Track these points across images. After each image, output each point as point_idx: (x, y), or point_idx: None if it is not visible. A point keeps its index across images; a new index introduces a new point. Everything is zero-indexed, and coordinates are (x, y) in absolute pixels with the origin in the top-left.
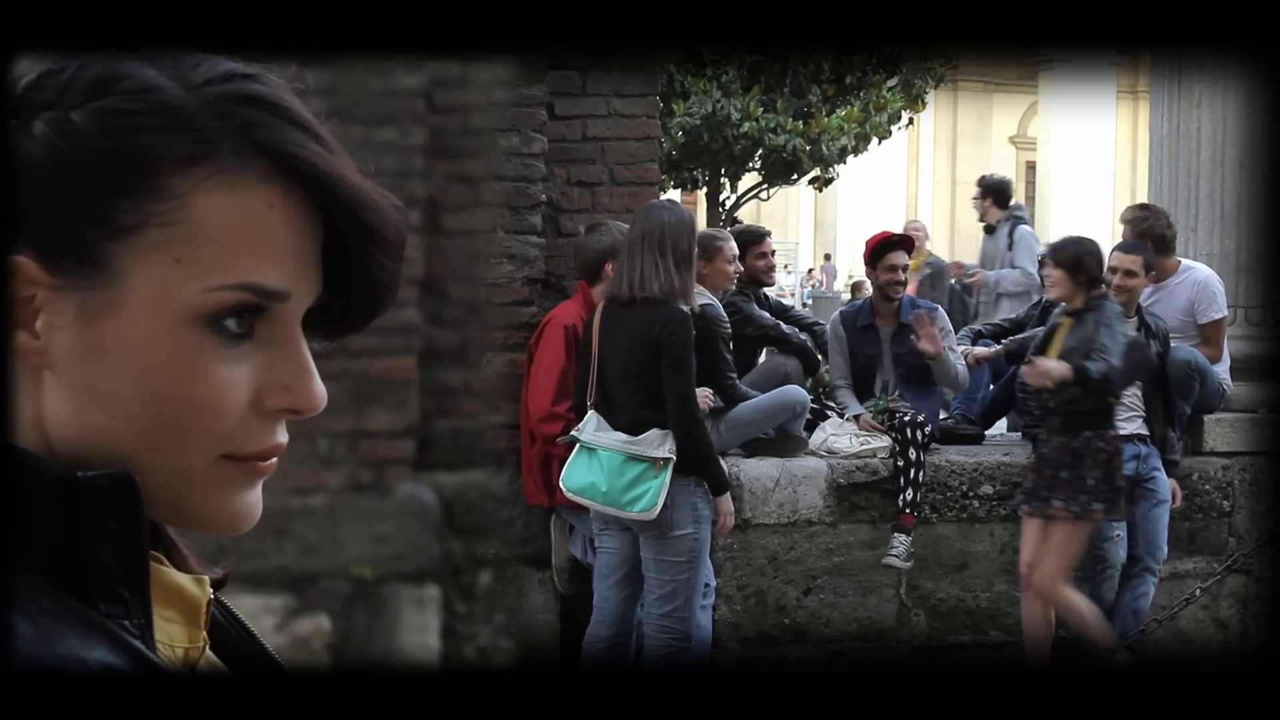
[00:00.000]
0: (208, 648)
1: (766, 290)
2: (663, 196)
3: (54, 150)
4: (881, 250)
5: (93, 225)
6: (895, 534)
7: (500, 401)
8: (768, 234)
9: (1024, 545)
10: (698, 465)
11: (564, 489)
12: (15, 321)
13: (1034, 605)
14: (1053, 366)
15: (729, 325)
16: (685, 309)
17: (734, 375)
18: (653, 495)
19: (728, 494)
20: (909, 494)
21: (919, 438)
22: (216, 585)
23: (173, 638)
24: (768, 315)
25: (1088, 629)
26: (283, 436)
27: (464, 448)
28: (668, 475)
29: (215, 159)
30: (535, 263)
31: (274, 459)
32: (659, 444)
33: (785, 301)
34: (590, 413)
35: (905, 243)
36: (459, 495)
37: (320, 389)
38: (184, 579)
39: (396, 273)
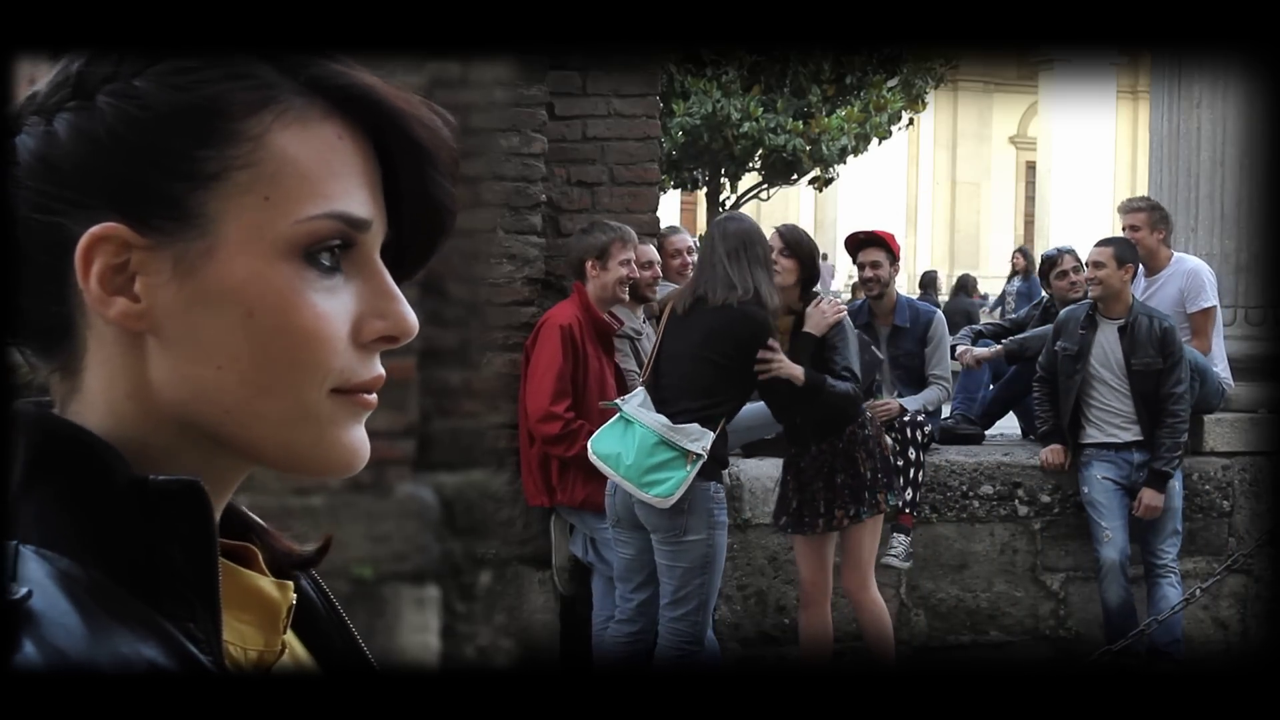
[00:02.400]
0: (286, 650)
1: None
2: (662, 197)
3: (125, 116)
4: (854, 249)
5: (178, 178)
6: (895, 534)
7: (500, 401)
8: None
9: (804, 563)
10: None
11: (590, 451)
12: (110, 291)
13: (819, 617)
14: (793, 369)
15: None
16: (765, 312)
17: None
18: (673, 484)
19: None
20: (908, 494)
21: (919, 438)
22: (318, 555)
23: (246, 640)
24: None
25: (882, 639)
26: (381, 369)
27: (464, 448)
28: (694, 471)
29: (281, 99)
30: (535, 263)
31: (376, 392)
32: (696, 438)
33: None
34: (640, 388)
35: (877, 239)
36: (459, 495)
37: (412, 313)
38: (265, 582)
39: (453, 193)
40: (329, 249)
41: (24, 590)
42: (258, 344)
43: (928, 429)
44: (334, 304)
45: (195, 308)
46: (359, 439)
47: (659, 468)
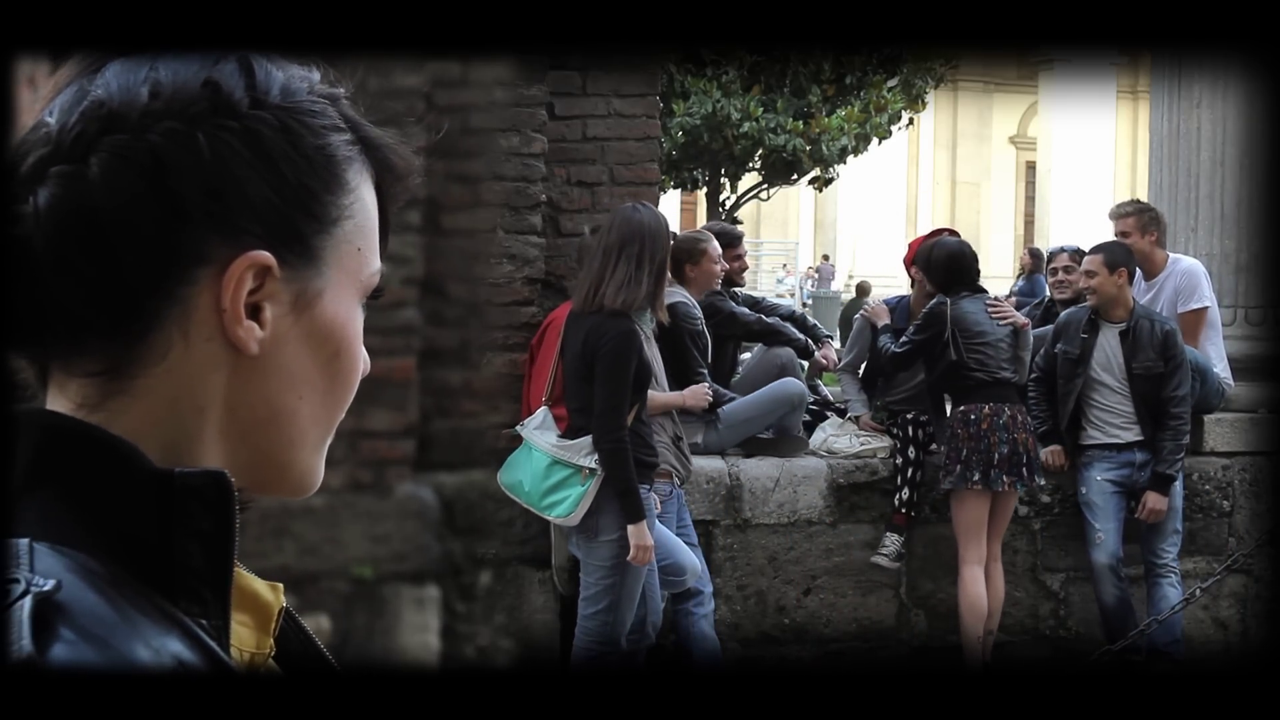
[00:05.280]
0: (273, 654)
1: (736, 288)
2: (662, 197)
3: (284, 151)
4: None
5: (312, 219)
6: (888, 533)
7: (500, 401)
8: (742, 235)
9: (974, 521)
10: (613, 484)
11: (499, 481)
12: (239, 314)
13: (978, 577)
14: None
15: (700, 322)
16: (633, 323)
17: (705, 371)
18: (572, 503)
19: (642, 523)
20: (904, 493)
21: (919, 437)
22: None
23: (242, 641)
24: (749, 312)
25: (998, 604)
26: None
27: (464, 448)
28: (593, 485)
29: (358, 155)
30: (535, 263)
31: None
32: (588, 452)
33: (778, 300)
34: (541, 409)
35: None
36: (459, 495)
37: None
38: (261, 584)
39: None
40: None
41: (51, 582)
42: (334, 380)
43: (929, 429)
44: None
45: (299, 342)
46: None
47: (555, 488)
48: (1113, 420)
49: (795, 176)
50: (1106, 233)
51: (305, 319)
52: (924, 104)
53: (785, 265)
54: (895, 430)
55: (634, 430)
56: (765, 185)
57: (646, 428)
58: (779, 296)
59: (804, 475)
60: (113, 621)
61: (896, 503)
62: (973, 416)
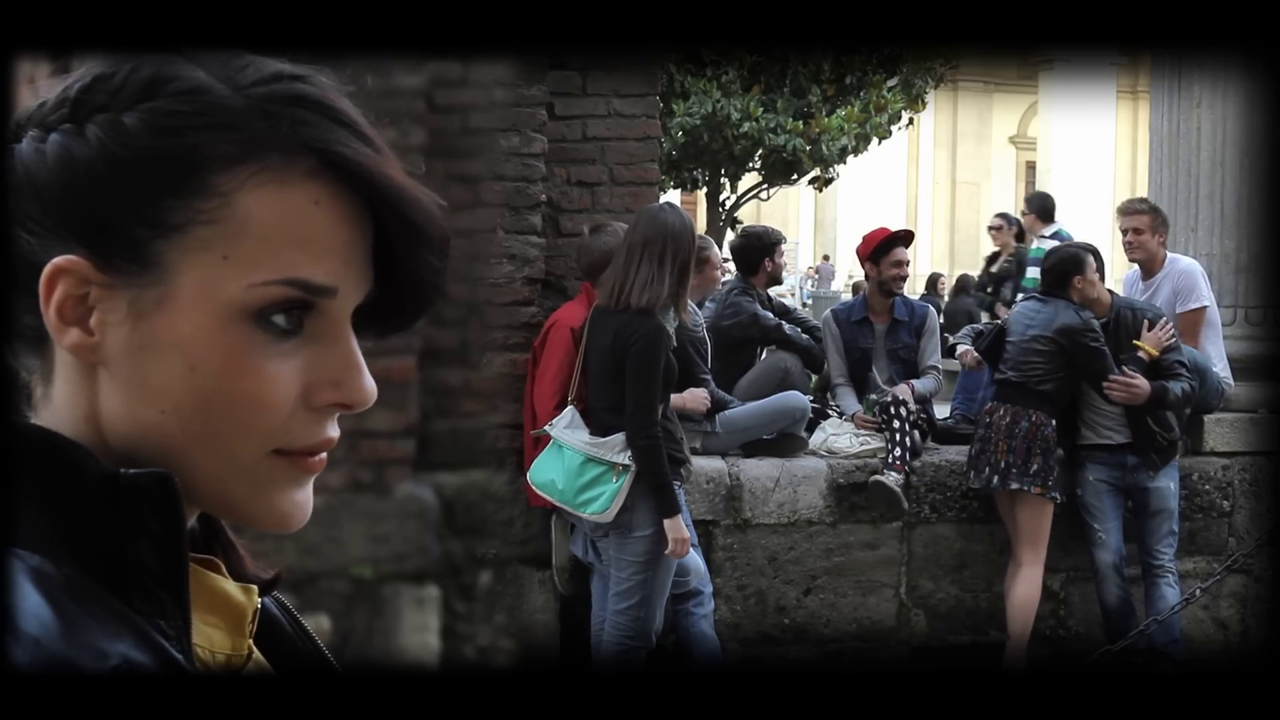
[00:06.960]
0: (253, 656)
1: (768, 292)
2: (662, 197)
3: (105, 152)
4: (886, 246)
5: (142, 224)
6: (886, 470)
7: (500, 401)
8: (783, 238)
9: (1007, 522)
10: (647, 480)
11: (529, 482)
12: (68, 320)
13: (1012, 578)
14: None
15: (701, 329)
16: (661, 321)
17: (708, 377)
18: (606, 499)
19: (677, 517)
20: (896, 451)
21: (902, 412)
22: (269, 585)
23: (214, 643)
24: (771, 315)
25: (1016, 618)
26: (333, 431)
27: (464, 448)
28: (626, 481)
29: (261, 157)
30: (535, 263)
31: (324, 455)
32: (620, 449)
33: (787, 302)
34: (569, 408)
35: (907, 238)
36: (459, 495)
37: (370, 383)
38: (231, 586)
39: (443, 270)
40: (285, 311)
41: None
42: (198, 398)
43: (911, 406)
44: (284, 367)
45: (144, 352)
46: (296, 501)
47: (589, 485)
48: (1103, 421)
49: (795, 176)
50: (1107, 233)
51: (143, 328)
52: (924, 104)
53: (785, 265)
54: (881, 412)
55: (662, 427)
56: (765, 185)
57: (674, 424)
58: (780, 295)
59: (804, 475)
60: (50, 623)
61: (889, 459)
62: (990, 422)
